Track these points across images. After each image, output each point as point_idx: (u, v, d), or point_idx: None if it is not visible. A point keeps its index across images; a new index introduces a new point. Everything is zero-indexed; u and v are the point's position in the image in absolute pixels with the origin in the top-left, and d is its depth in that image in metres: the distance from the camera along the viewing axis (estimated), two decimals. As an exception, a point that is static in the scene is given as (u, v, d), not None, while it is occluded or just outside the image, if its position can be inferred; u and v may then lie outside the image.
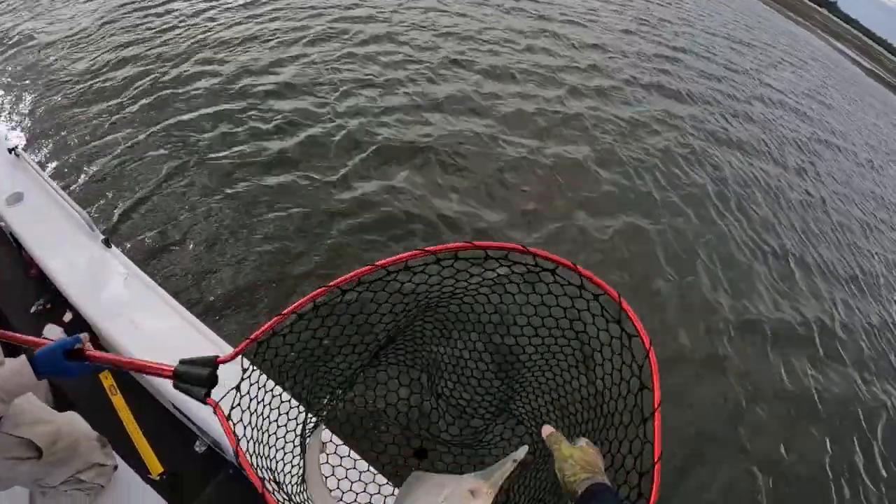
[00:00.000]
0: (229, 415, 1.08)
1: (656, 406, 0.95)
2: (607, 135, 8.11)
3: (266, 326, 1.12)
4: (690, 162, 8.31)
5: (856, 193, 10.76)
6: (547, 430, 1.11)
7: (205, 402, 1.10)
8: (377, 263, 1.13)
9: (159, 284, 2.43)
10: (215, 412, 1.07)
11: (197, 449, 2.05)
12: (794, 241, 7.56)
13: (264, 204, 4.80)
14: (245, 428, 1.13)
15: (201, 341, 2.23)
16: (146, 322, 2.27)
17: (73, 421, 1.82)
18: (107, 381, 2.34)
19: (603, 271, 5.19)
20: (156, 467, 1.99)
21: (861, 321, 6.60)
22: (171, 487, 1.92)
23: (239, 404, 1.12)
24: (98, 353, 1.28)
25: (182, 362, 1.16)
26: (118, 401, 2.25)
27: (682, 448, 3.97)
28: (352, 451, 1.79)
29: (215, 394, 1.12)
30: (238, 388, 1.14)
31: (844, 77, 27.60)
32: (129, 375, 2.27)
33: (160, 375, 1.16)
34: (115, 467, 1.92)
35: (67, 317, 2.62)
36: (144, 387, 2.20)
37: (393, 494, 1.62)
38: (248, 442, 1.11)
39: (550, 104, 8.49)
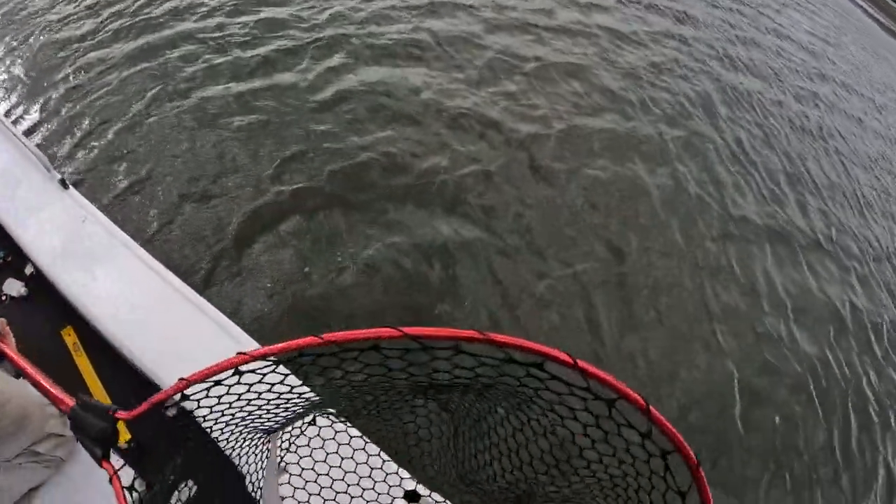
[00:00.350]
0: (132, 485, 0.87)
1: None
2: (596, 46, 7.81)
3: (171, 390, 0.87)
4: (682, 76, 8.07)
5: (855, 127, 10.51)
6: None
7: (101, 466, 0.91)
8: (327, 338, 0.72)
9: (120, 226, 2.25)
10: (111, 482, 0.86)
11: (167, 413, 1.87)
12: (785, 159, 7.45)
13: (233, 121, 4.48)
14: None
15: (171, 295, 2.05)
16: (108, 275, 2.11)
17: (28, 387, 1.63)
18: (69, 338, 2.12)
19: (582, 171, 5.10)
20: (123, 434, 1.80)
21: (848, 234, 6.62)
22: (139, 456, 1.73)
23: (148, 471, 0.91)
24: (11, 354, 1.17)
25: (79, 403, 0.95)
26: (82, 361, 2.04)
27: (660, 349, 3.99)
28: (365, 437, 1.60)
29: None
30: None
31: (858, 27, 26.48)
32: (94, 332, 2.06)
33: (57, 407, 0.98)
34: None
35: (29, 269, 2.38)
36: (111, 345, 1.99)
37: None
38: None
39: (538, 16, 8.07)
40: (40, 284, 2.23)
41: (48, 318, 2.15)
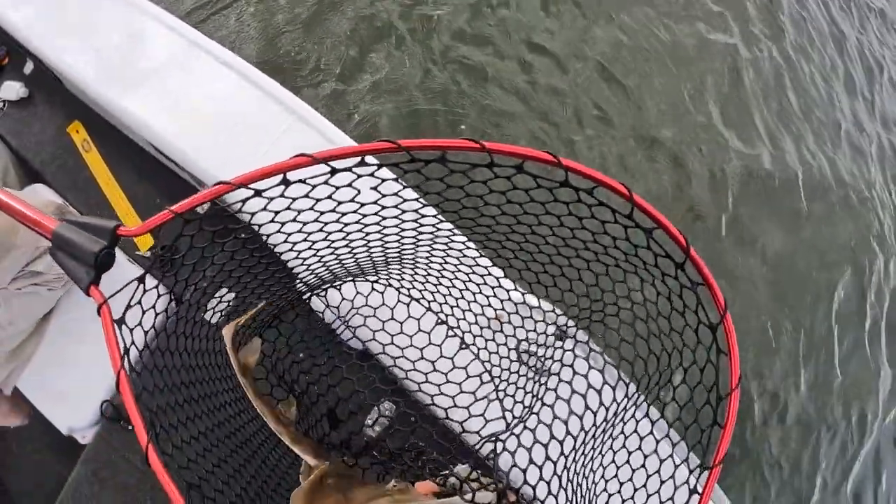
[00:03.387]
0: (122, 318, 0.66)
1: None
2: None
3: (204, 195, 0.63)
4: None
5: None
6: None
7: (87, 293, 0.70)
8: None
9: None
10: (99, 313, 0.65)
11: (199, 210, 1.46)
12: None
13: None
14: (147, 342, 0.72)
15: (210, 64, 1.63)
16: (116, 47, 1.68)
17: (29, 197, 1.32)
18: (78, 135, 1.74)
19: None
20: (145, 241, 1.43)
21: None
22: (167, 263, 1.36)
23: (140, 303, 0.71)
24: None
25: (69, 222, 0.73)
26: (93, 158, 1.65)
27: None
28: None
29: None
30: (143, 279, 0.70)
31: None
32: (108, 124, 1.63)
33: (38, 232, 0.76)
34: None
35: (28, 67, 1.97)
36: (131, 138, 1.58)
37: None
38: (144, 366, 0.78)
39: None
40: (42, 80, 1.81)
41: (52, 116, 1.76)
